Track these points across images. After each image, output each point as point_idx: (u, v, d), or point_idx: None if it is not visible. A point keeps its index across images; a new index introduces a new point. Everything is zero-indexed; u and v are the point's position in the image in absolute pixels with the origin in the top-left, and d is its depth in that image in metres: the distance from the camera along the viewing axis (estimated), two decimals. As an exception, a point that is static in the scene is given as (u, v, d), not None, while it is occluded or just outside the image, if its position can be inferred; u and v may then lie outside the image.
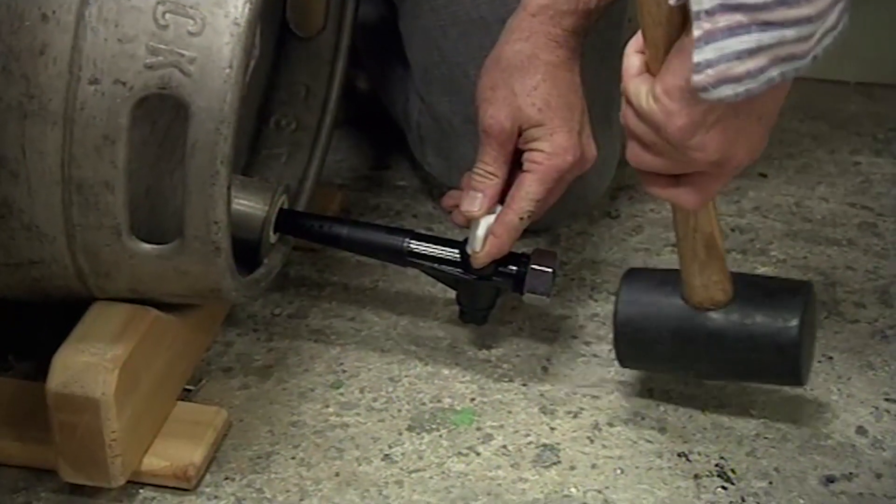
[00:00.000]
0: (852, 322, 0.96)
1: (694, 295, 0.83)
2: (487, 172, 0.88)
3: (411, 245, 0.90)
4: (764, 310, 0.82)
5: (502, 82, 0.87)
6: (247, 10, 0.74)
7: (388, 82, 1.10)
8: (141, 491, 0.83)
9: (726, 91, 0.69)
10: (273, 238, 0.91)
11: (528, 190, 0.87)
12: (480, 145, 0.88)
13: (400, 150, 1.13)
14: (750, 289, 0.83)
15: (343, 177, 1.12)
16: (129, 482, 0.82)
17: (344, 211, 1.07)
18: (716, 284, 0.82)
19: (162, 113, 0.81)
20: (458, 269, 0.89)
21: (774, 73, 0.69)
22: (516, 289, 0.89)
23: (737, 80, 0.69)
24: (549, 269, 0.88)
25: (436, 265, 0.90)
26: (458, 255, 0.89)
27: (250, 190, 0.89)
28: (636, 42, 0.74)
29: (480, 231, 0.88)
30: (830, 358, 0.93)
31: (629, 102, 0.74)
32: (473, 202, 0.88)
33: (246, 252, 0.88)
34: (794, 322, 0.81)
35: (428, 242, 0.90)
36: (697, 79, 0.69)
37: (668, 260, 1.02)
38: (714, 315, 0.83)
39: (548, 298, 0.88)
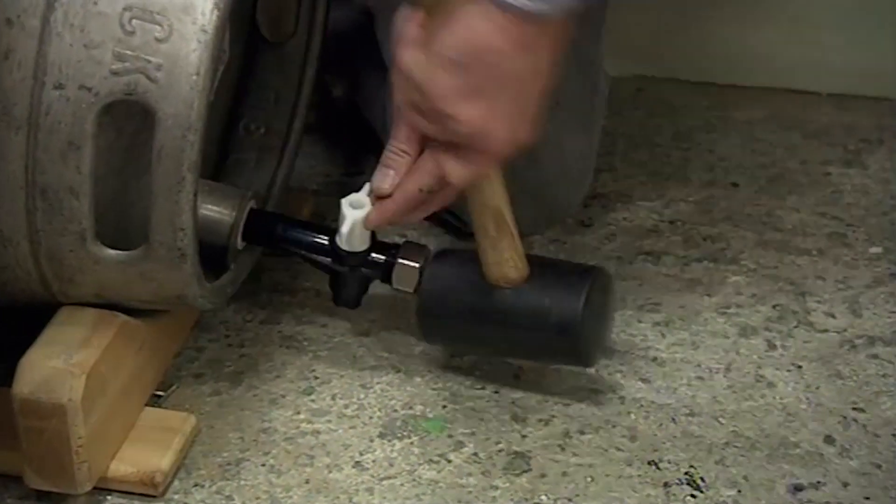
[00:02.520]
0: (821, 331, 0.97)
1: (489, 272, 0.85)
2: (400, 150, 0.85)
3: (282, 230, 0.88)
4: (551, 291, 0.84)
5: None
6: (214, 17, 0.73)
7: (365, 89, 1.10)
8: (108, 497, 0.83)
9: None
10: (241, 244, 0.91)
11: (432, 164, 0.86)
12: (394, 124, 0.86)
13: (374, 156, 1.12)
14: (543, 270, 0.85)
15: (316, 182, 1.12)
16: (95, 489, 0.81)
17: (316, 216, 1.07)
18: (507, 262, 0.84)
19: (128, 119, 0.80)
20: (328, 259, 0.88)
21: None
22: (385, 279, 0.88)
23: None
24: (416, 265, 0.87)
25: (305, 252, 0.88)
26: (327, 242, 0.87)
27: (218, 195, 0.89)
28: (415, 12, 0.76)
29: (345, 228, 0.86)
30: (799, 367, 0.94)
31: (399, 68, 0.77)
32: (385, 179, 0.85)
33: (215, 257, 0.88)
34: (578, 304, 0.83)
35: (300, 228, 0.89)
36: None
37: (640, 268, 1.02)
38: (507, 293, 0.84)
39: (415, 294, 0.87)
